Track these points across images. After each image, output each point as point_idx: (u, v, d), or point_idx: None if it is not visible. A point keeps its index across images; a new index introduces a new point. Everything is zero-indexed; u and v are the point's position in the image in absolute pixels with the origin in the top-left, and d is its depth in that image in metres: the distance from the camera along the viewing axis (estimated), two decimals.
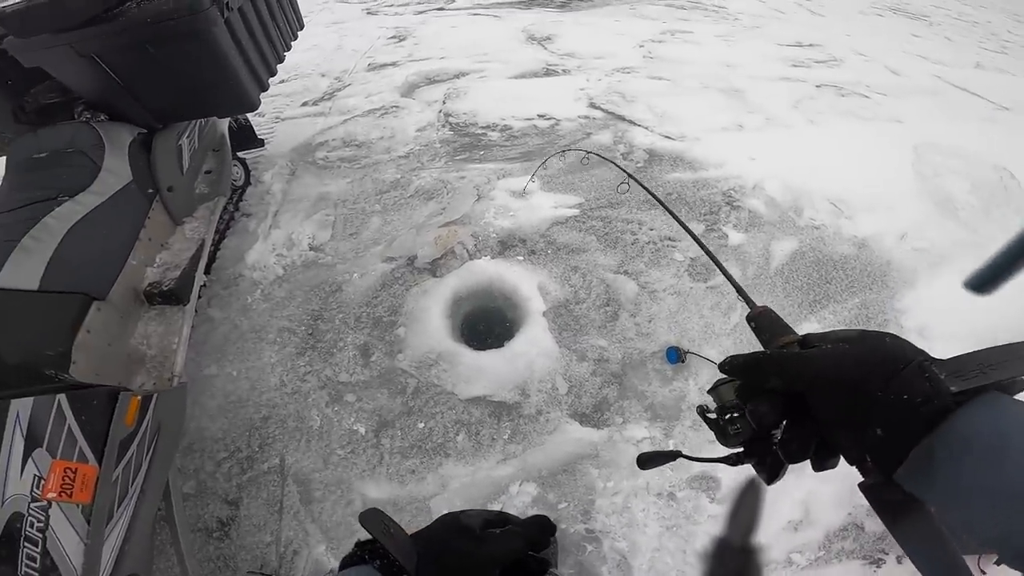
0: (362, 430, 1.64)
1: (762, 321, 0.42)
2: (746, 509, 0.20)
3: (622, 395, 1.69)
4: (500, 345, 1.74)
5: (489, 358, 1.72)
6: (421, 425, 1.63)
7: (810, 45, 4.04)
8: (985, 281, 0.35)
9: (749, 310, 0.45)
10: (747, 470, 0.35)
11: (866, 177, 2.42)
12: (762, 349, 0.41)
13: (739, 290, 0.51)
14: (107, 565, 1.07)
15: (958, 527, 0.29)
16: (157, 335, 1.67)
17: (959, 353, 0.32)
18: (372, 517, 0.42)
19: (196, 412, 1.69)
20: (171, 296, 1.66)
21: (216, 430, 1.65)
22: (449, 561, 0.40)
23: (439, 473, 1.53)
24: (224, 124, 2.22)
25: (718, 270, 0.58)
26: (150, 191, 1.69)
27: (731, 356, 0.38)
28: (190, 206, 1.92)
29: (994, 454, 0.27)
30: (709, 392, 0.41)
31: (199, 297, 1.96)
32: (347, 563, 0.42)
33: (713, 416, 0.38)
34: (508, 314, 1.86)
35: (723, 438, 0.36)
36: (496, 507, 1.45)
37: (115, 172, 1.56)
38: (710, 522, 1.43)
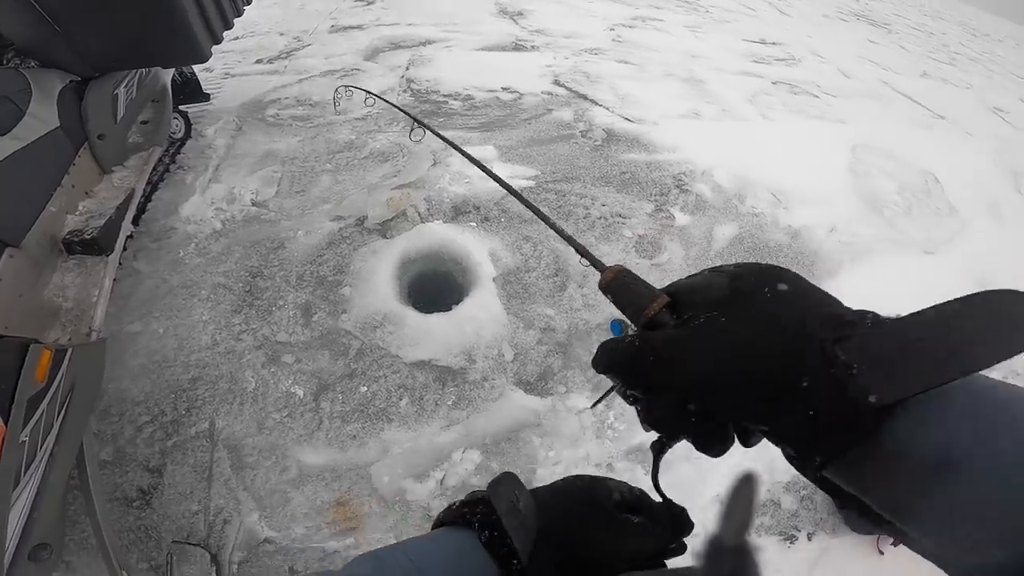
0: (300, 393, 1.58)
1: (618, 289, 0.34)
2: (739, 506, 0.18)
3: (566, 365, 1.72)
4: (448, 309, 1.73)
5: (436, 321, 1.70)
6: (363, 389, 1.60)
7: (773, 43, 4.20)
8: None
9: (599, 276, 0.35)
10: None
11: (806, 172, 2.57)
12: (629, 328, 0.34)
13: (583, 252, 0.39)
14: (13, 534, 0.99)
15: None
16: (75, 287, 1.55)
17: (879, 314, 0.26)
18: (505, 486, 0.35)
19: (116, 372, 1.57)
20: (93, 245, 1.55)
21: (138, 392, 1.54)
22: (575, 551, 0.33)
23: (381, 438, 1.50)
24: (167, 75, 2.12)
25: (567, 240, 0.44)
26: (78, 138, 1.60)
27: (601, 350, 0.31)
28: (121, 155, 1.82)
29: (938, 476, 0.22)
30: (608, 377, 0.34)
31: (124, 249, 1.84)
32: (448, 520, 0.36)
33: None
34: (458, 279, 1.85)
35: (642, 425, 0.31)
36: (438, 475, 1.44)
37: (40, 118, 1.46)
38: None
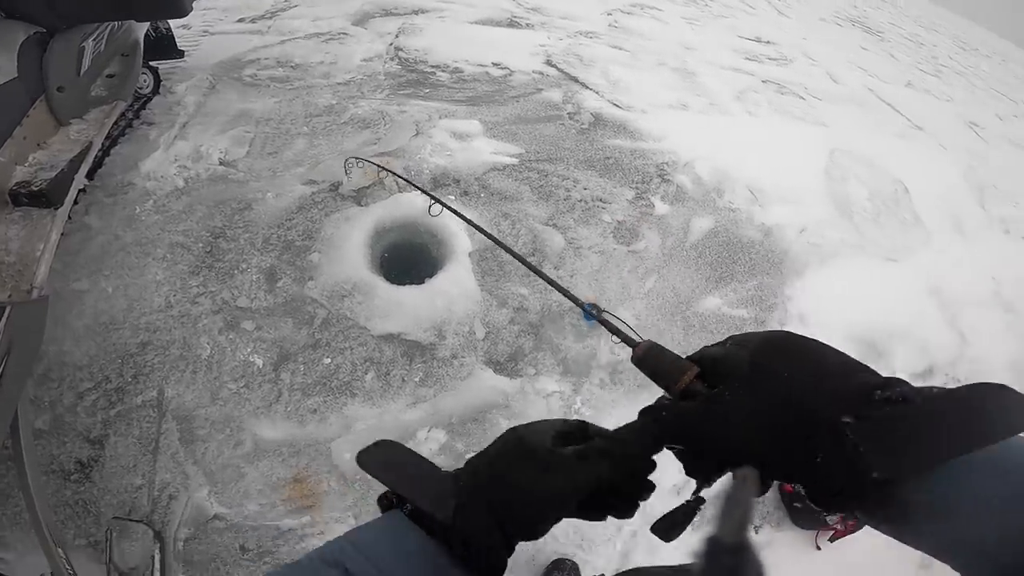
0: (259, 362, 1.51)
1: (650, 361, 0.37)
2: (737, 505, 0.18)
3: (537, 346, 1.71)
4: (420, 282, 1.69)
5: (408, 294, 1.66)
6: (327, 360, 1.54)
7: (767, 42, 4.22)
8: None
9: (631, 351, 0.38)
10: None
11: (784, 171, 2.60)
12: (662, 400, 0.36)
13: (614, 330, 0.39)
14: None
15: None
16: (19, 240, 1.46)
17: (883, 374, 0.30)
18: (374, 455, 0.33)
19: (58, 333, 1.46)
20: (40, 197, 1.47)
21: (81, 356, 1.44)
22: (503, 503, 0.31)
23: (343, 414, 1.45)
24: (141, 30, 2.02)
25: (600, 321, 0.46)
26: (35, 90, 1.53)
27: (650, 413, 0.34)
28: (82, 108, 1.76)
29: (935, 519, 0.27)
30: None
31: (75, 203, 1.74)
32: (383, 505, 0.34)
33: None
34: (433, 251, 1.81)
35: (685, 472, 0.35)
36: None
37: None
38: None
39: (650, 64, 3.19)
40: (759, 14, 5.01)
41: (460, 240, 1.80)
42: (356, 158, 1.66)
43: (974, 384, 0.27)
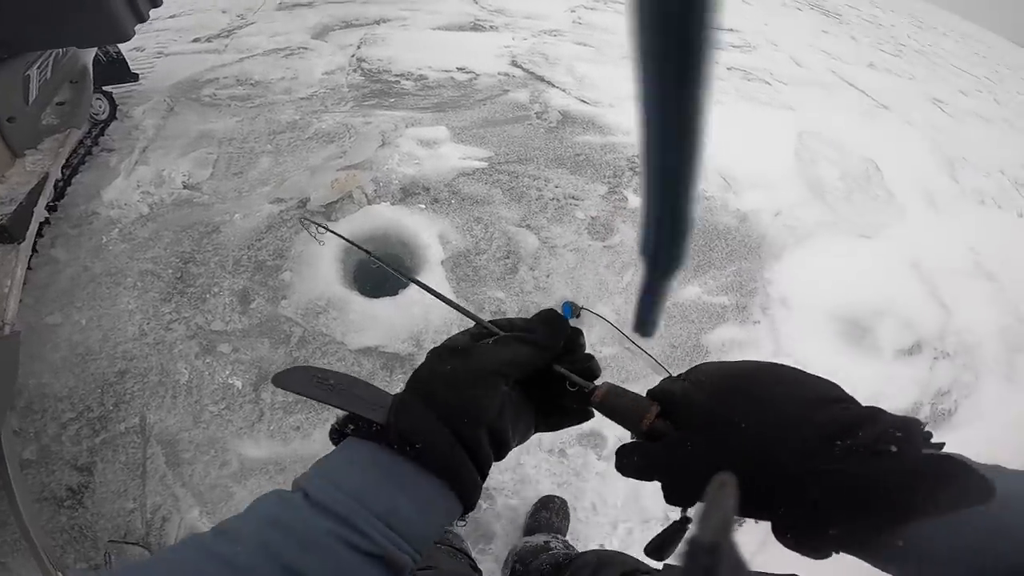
0: (239, 384, 1.52)
1: (610, 404, 0.36)
2: (716, 507, 0.18)
3: None
4: (394, 293, 1.69)
5: (382, 306, 1.66)
6: None
7: (730, 30, 4.26)
8: (644, 323, 0.31)
9: (585, 391, 0.37)
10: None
11: (755, 157, 2.63)
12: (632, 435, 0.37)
13: (568, 376, 0.37)
14: None
15: None
16: None
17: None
18: (289, 378, 0.35)
19: (36, 367, 1.47)
20: (2, 233, 1.46)
21: (60, 387, 1.45)
22: (434, 394, 0.32)
23: (326, 429, 1.46)
24: (88, 55, 1.98)
25: (554, 370, 0.40)
26: None
27: (623, 461, 0.34)
28: (34, 138, 1.74)
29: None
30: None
31: (40, 236, 1.73)
32: (334, 439, 0.36)
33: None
34: (406, 262, 1.81)
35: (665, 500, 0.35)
36: None
37: None
38: (597, 479, 1.48)
39: (615, 58, 3.21)
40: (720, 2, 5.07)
41: (432, 250, 1.80)
42: (311, 221, 1.65)
43: (940, 455, 0.27)
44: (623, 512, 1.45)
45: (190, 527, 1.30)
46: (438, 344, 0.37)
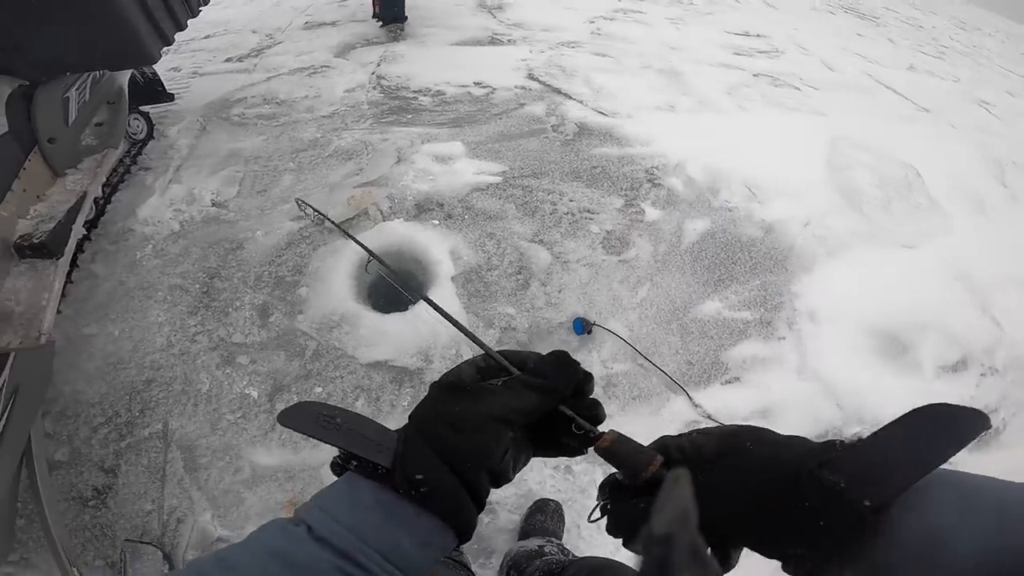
0: (255, 394, 1.57)
1: (615, 452, 0.37)
2: (669, 501, 0.19)
3: None
4: (405, 309, 1.71)
5: (393, 322, 1.68)
6: (319, 389, 1.59)
7: (757, 35, 4.14)
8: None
9: (592, 439, 0.38)
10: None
11: (783, 164, 2.52)
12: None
13: (575, 419, 0.38)
14: None
15: None
16: (26, 290, 1.56)
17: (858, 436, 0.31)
18: (295, 415, 0.34)
19: (72, 375, 1.57)
20: (42, 249, 1.55)
21: (93, 394, 1.55)
22: (440, 437, 0.32)
23: None
24: (124, 77, 2.10)
25: (562, 411, 0.42)
26: (27, 142, 1.60)
27: (615, 524, 0.37)
28: (74, 158, 1.82)
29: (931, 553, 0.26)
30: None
31: (81, 252, 1.84)
32: (336, 471, 0.36)
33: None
34: (418, 277, 1.82)
35: None
36: None
37: None
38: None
39: (634, 68, 3.17)
40: (744, 7, 4.93)
41: (443, 265, 1.81)
42: (300, 201, 1.71)
43: (931, 405, 0.29)
44: None
45: (202, 530, 1.36)
46: (444, 373, 0.37)
